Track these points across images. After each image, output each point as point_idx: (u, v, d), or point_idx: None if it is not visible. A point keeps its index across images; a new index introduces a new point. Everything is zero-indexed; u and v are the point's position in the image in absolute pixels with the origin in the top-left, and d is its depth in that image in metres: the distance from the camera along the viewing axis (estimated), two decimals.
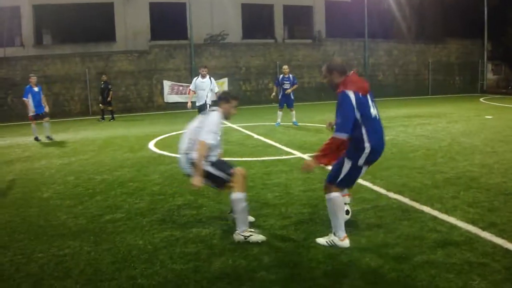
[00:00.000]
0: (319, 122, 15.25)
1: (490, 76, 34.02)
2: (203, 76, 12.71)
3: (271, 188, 6.87)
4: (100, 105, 20.44)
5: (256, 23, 30.23)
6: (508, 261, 4.12)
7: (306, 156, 9.36)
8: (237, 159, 9.30)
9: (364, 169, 4.60)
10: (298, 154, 9.68)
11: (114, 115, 20.37)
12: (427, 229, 4.97)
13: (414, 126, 13.75)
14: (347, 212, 5.07)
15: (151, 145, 11.68)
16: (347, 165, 4.53)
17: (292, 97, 15.38)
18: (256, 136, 12.68)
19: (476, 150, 9.64)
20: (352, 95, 4.37)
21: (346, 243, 4.54)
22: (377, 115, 4.56)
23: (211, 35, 26.90)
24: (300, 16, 31.75)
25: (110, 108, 20.22)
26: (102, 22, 26.32)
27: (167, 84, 24.65)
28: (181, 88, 24.66)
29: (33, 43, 25.74)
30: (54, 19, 25.94)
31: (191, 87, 12.97)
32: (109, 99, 20.10)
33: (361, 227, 5.08)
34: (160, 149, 10.91)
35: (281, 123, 15.05)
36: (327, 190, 4.64)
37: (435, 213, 5.49)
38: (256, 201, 6.22)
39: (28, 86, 13.75)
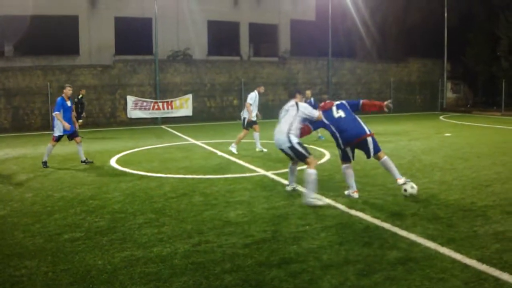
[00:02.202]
0: None
1: (449, 95, 35.05)
2: (260, 94, 13.02)
3: (234, 206, 6.84)
4: (80, 121, 18.10)
5: (222, 40, 30.40)
6: (467, 276, 4.22)
7: (269, 174, 9.38)
8: (200, 176, 9.24)
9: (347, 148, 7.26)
10: (261, 171, 9.69)
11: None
12: (387, 245, 5.04)
13: None
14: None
15: (113, 161, 11.48)
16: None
17: None
18: (219, 153, 12.64)
19: (435, 167, 9.88)
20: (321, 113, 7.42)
21: None
22: (342, 114, 7.28)
23: (174, 51, 26.81)
24: (265, 34, 32.11)
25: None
26: (66, 35, 25.88)
27: (130, 99, 24.35)
28: (144, 103, 24.41)
29: None
30: (17, 30, 25.35)
31: (251, 101, 12.72)
32: (84, 115, 19.33)
33: (323, 245, 5.10)
34: (122, 166, 10.73)
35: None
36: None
37: (396, 229, 5.58)
38: (218, 219, 6.18)
39: (60, 98, 11.08)
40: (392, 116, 27.79)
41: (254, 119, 12.76)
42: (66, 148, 14.80)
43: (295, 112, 7.11)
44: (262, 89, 13.29)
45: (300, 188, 7.63)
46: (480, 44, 32.18)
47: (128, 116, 24.39)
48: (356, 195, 7.29)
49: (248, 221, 6.08)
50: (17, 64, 23.89)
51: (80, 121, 17.81)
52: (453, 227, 5.65)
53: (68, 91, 11.21)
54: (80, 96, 18.97)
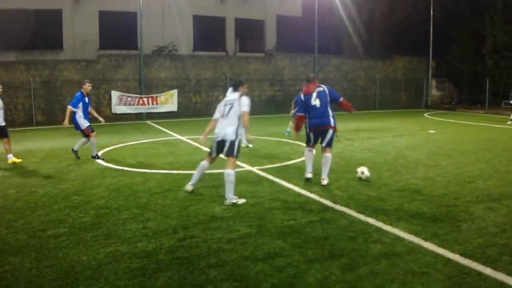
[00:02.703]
0: (269, 134, 15.35)
1: (434, 92, 35.38)
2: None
3: (219, 201, 6.83)
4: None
5: (207, 35, 30.24)
6: (450, 270, 4.27)
7: (255, 169, 9.38)
8: (185, 172, 9.20)
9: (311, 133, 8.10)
10: (247, 167, 9.69)
11: None
12: (372, 240, 5.08)
13: (361, 140, 14.07)
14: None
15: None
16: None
17: None
18: (205, 148, 12.55)
19: (419, 163, 9.97)
20: (301, 95, 8.18)
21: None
22: (317, 103, 7.96)
23: (159, 46, 26.62)
24: (251, 30, 32.06)
25: None
26: (49, 29, 25.60)
27: (115, 94, 24.11)
28: (129, 99, 24.19)
29: None
30: None
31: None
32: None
33: (308, 239, 5.12)
34: (106, 162, 10.64)
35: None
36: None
37: (380, 224, 5.62)
38: (204, 214, 6.17)
39: (79, 93, 11.03)
40: (377, 113, 27.98)
41: None
42: (49, 143, 14.67)
43: (238, 107, 7.05)
44: (88, 87, 11.42)
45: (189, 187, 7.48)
46: (465, 42, 32.48)
47: (113, 111, 24.16)
48: (309, 175, 8.19)
49: (233, 216, 6.08)
50: (0, 59, 23.54)
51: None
52: (437, 222, 5.72)
53: (87, 87, 11.10)
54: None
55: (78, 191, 7.75)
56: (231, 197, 6.75)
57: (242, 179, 8.41)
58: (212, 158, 7.26)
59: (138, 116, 24.43)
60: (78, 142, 11.28)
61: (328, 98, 8.06)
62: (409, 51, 33.30)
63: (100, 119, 11.82)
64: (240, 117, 6.99)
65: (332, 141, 8.05)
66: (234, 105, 7.08)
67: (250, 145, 12.63)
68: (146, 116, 24.52)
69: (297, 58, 29.64)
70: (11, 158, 10.93)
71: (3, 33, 24.86)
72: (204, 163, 7.34)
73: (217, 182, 8.18)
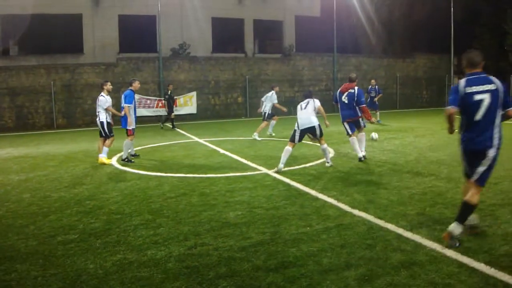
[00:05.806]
0: (287, 136, 15.09)
1: None
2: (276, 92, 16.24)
3: (234, 206, 6.64)
4: (172, 114, 20.66)
5: (226, 37, 30.21)
6: (474, 281, 4.00)
7: (271, 172, 9.16)
8: (201, 176, 9.05)
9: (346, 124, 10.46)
10: (263, 170, 9.48)
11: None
12: (391, 248, 4.82)
13: (382, 141, 13.73)
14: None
15: (114, 160, 11.30)
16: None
17: (377, 103, 20.56)
18: (222, 151, 12.45)
19: (442, 164, 9.63)
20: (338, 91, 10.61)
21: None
22: (345, 101, 10.25)
23: (175, 47, 26.60)
24: (270, 31, 31.91)
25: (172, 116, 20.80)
26: (70, 33, 25.87)
27: (134, 97, 24.12)
28: (148, 101, 24.19)
29: None
30: (21, 29, 25.33)
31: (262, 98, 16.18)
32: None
33: (324, 247, 4.89)
34: (123, 165, 10.56)
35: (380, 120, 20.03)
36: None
37: (400, 231, 5.36)
38: (216, 220, 5.98)
39: (130, 91, 11.16)
40: (398, 112, 27.52)
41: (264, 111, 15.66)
42: (68, 146, 14.70)
43: (313, 105, 9.66)
44: (137, 85, 12.98)
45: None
46: (487, 38, 31.79)
47: None
48: (363, 155, 10.24)
49: (247, 222, 5.88)
50: (22, 63, 23.82)
51: (173, 114, 20.86)
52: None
53: (137, 85, 11.44)
54: (169, 91, 20.54)
55: (91, 195, 7.66)
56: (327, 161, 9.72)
57: (258, 182, 8.23)
58: (295, 144, 9.53)
59: (158, 119, 24.40)
60: (123, 150, 11.19)
61: (355, 99, 10.14)
62: (430, 49, 32.66)
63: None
64: (313, 111, 9.57)
65: (364, 124, 10.80)
66: (310, 103, 9.68)
67: (273, 134, 15.91)
68: (166, 119, 24.45)
69: (316, 58, 29.35)
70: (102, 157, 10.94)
71: (25, 38, 25.19)
72: (288, 148, 9.35)
73: (232, 186, 8.01)
